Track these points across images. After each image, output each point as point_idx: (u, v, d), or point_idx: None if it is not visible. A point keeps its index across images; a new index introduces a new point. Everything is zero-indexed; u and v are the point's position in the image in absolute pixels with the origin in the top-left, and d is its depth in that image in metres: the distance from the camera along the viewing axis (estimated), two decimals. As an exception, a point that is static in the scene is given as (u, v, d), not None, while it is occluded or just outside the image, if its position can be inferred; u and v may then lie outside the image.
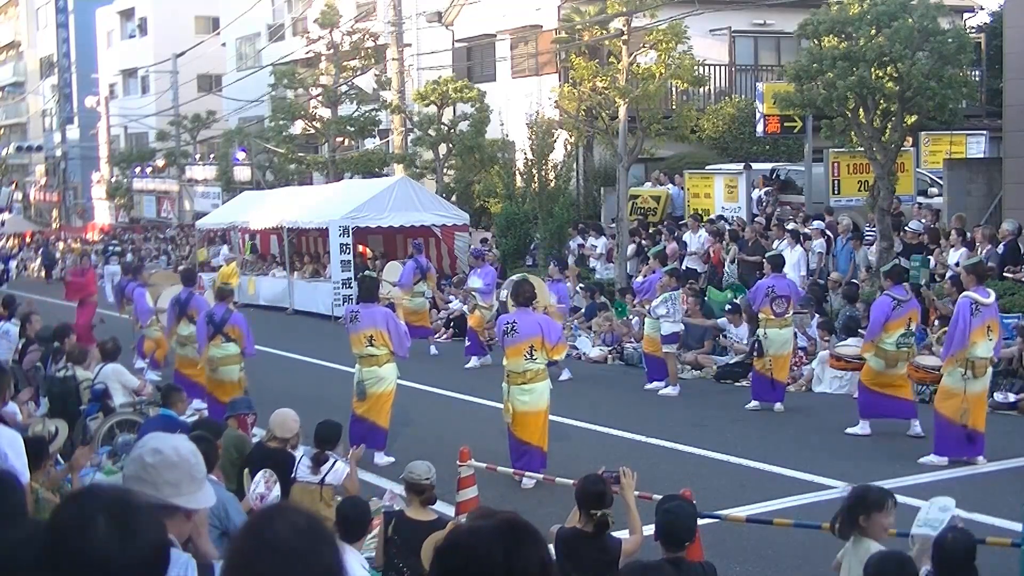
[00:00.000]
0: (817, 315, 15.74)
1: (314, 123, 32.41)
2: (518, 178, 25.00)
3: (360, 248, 25.14)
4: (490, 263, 19.12)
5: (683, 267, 18.53)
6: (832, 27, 16.61)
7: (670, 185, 24.15)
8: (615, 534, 5.86)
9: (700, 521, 5.65)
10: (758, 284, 13.74)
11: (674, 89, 25.26)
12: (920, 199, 20.54)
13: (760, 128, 22.32)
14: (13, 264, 42.47)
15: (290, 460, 7.86)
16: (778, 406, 13.14)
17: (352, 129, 31.74)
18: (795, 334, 14.29)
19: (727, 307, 16.49)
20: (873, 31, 16.06)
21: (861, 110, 16.57)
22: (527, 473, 9.67)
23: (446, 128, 27.34)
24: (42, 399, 10.96)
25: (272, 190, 31.69)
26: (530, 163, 23.73)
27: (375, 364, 10.92)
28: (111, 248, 36.42)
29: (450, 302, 21.60)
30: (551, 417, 10.37)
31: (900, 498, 9.02)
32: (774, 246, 17.87)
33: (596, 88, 21.21)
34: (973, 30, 25.95)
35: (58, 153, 58.87)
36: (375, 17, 33.69)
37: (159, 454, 2.96)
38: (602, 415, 13.03)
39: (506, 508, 2.68)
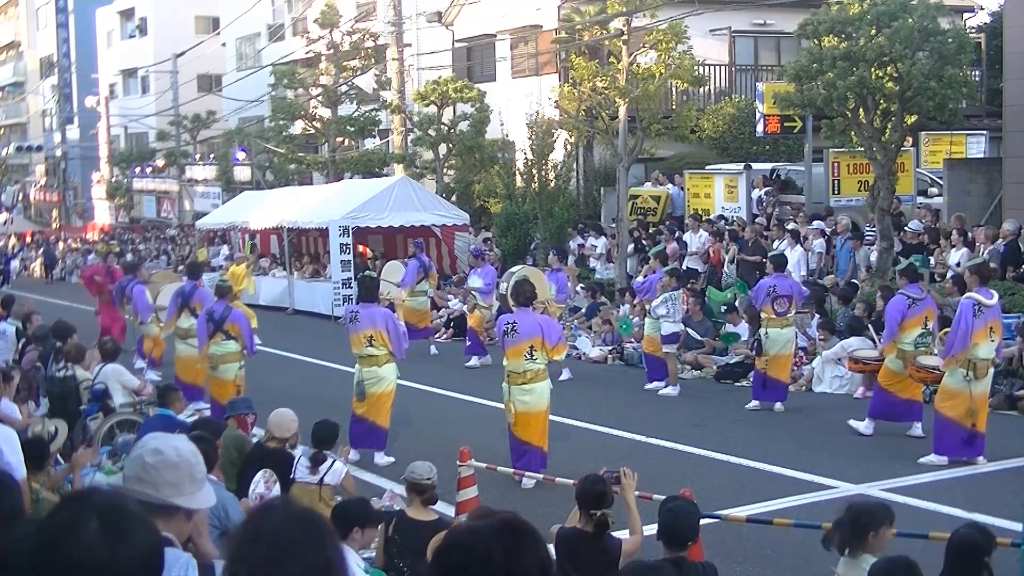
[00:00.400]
0: (817, 315, 15.74)
1: (314, 123, 32.41)
2: (518, 178, 25.00)
3: (360, 248, 25.13)
4: (490, 263, 19.12)
5: (683, 267, 18.54)
6: (832, 27, 16.62)
7: (670, 185, 24.15)
8: (615, 534, 5.86)
9: (701, 521, 5.65)
10: (760, 283, 13.74)
11: (674, 89, 25.27)
12: (920, 199, 20.54)
13: (760, 128, 22.32)
14: (14, 264, 42.46)
15: (290, 460, 7.87)
16: (778, 406, 13.14)
17: (352, 129, 31.73)
18: (795, 334, 14.28)
19: (723, 308, 16.53)
20: (873, 31, 16.06)
21: (861, 110, 16.57)
22: (527, 473, 9.67)
23: (446, 128, 27.34)
24: (42, 399, 10.96)
25: (272, 190, 31.69)
26: (530, 163, 23.73)
27: (375, 364, 10.92)
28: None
29: (449, 301, 21.61)
30: (551, 417, 10.37)
31: (900, 498, 9.09)
32: (774, 246, 17.88)
33: (596, 88, 21.21)
34: (973, 30, 25.95)
35: (58, 153, 58.87)
36: (375, 17, 33.69)
37: (159, 454, 2.96)
38: (602, 415, 13.03)
39: (506, 508, 2.68)
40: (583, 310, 19.12)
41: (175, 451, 2.99)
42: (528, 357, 9.87)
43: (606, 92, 21.07)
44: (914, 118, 16.95)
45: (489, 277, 17.69)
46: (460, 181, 28.77)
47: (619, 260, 21.02)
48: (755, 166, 22.73)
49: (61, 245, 45.51)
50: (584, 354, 17.45)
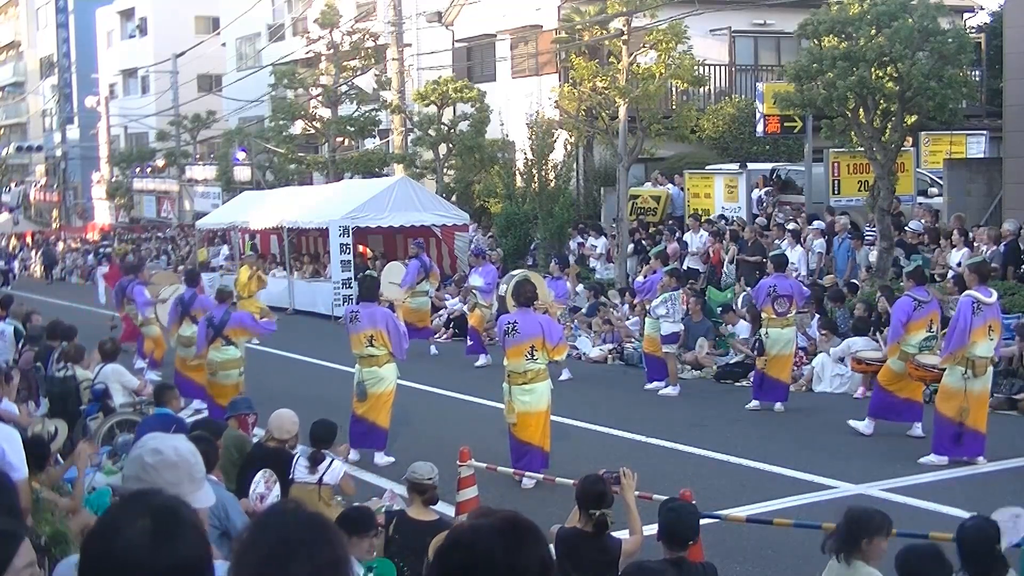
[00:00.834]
0: (817, 315, 15.75)
1: (314, 123, 32.40)
2: (518, 178, 25.00)
3: (360, 248, 25.14)
4: (491, 262, 19.14)
5: (684, 267, 18.54)
6: (832, 27, 16.61)
7: (670, 185, 24.15)
8: (615, 534, 5.86)
9: (701, 521, 5.65)
10: (760, 283, 13.73)
11: (674, 89, 25.27)
12: (920, 199, 20.54)
13: (760, 128, 22.32)
14: (16, 264, 42.44)
15: (290, 460, 7.86)
16: (778, 406, 13.14)
17: (352, 129, 31.73)
18: (796, 334, 14.28)
19: (719, 308, 16.54)
20: (873, 31, 16.06)
21: (861, 110, 16.57)
22: (527, 473, 9.67)
23: (446, 128, 27.34)
24: (42, 399, 10.95)
25: (272, 190, 31.68)
26: (530, 163, 23.72)
27: (375, 364, 10.92)
28: (101, 250, 36.24)
29: (446, 300, 21.61)
30: (551, 417, 10.37)
31: (900, 498, 9.09)
32: (773, 245, 17.88)
33: (596, 88, 21.21)
34: (973, 30, 25.94)
35: (58, 153, 58.87)
36: (375, 17, 33.69)
37: (159, 454, 2.96)
38: (602, 415, 13.02)
39: (506, 508, 2.68)
40: (583, 310, 19.12)
41: (174, 451, 2.99)
42: (529, 357, 9.87)
43: (606, 92, 21.07)
44: (914, 118, 16.95)
45: (490, 276, 17.69)
46: (460, 181, 28.77)
47: (619, 260, 21.02)
48: (755, 166, 22.75)
49: (61, 245, 45.50)
50: (584, 354, 17.45)
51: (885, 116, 16.75)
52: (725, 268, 19.39)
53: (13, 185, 64.23)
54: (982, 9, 30.79)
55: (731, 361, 15.65)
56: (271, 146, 34.16)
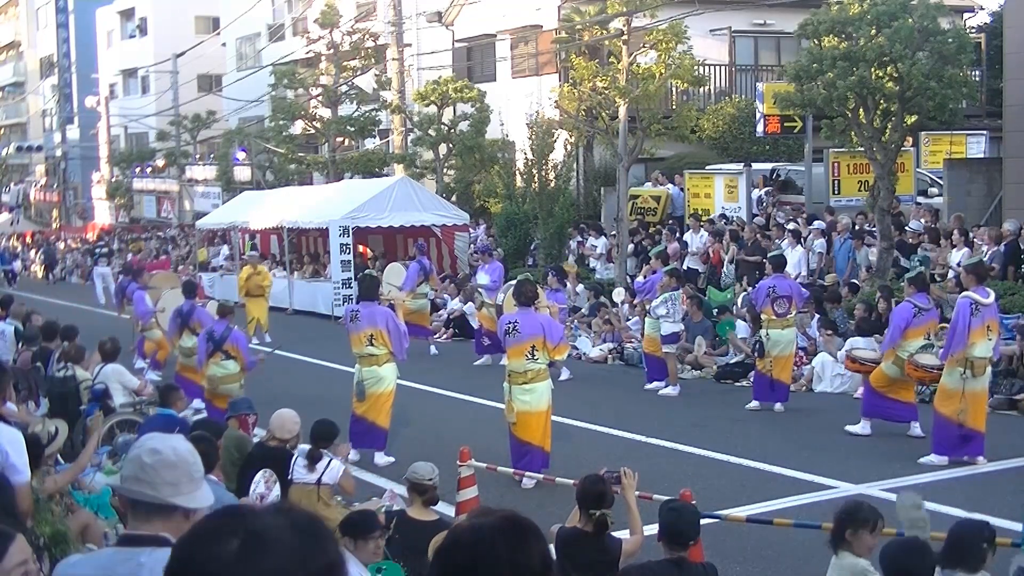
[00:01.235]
0: (817, 315, 15.75)
1: (314, 123, 32.41)
2: (518, 178, 24.99)
3: (360, 248, 25.13)
4: (497, 259, 19.14)
5: (684, 267, 18.53)
6: (832, 27, 16.62)
7: (670, 185, 24.15)
8: (615, 534, 5.86)
9: (701, 521, 5.65)
10: (759, 284, 13.73)
11: (674, 89, 25.27)
12: (920, 199, 20.55)
13: (760, 128, 22.33)
14: (17, 264, 42.43)
15: (290, 460, 7.86)
16: (778, 406, 13.13)
17: (352, 129, 31.74)
18: (796, 334, 14.27)
19: (714, 310, 16.54)
20: (873, 31, 16.06)
21: (861, 110, 16.58)
22: (527, 473, 9.67)
23: (446, 128, 27.35)
24: (42, 399, 10.95)
25: (272, 190, 31.68)
26: (530, 163, 23.72)
27: (375, 364, 10.91)
28: (98, 250, 36.16)
29: (446, 300, 21.60)
30: (552, 417, 10.36)
31: (900, 498, 9.07)
32: (774, 246, 17.87)
33: (596, 88, 21.21)
34: (973, 30, 25.96)
35: (58, 153, 58.86)
36: (375, 17, 33.70)
37: (157, 454, 2.96)
38: (602, 415, 13.02)
39: (506, 508, 2.67)
40: (583, 310, 19.12)
41: (173, 451, 2.99)
42: (530, 357, 9.87)
43: (606, 92, 21.07)
44: (914, 118, 16.95)
45: (496, 274, 17.69)
46: (460, 181, 28.77)
47: (619, 260, 21.02)
48: (755, 166, 22.75)
49: (61, 245, 45.50)
50: (584, 354, 17.44)
51: (885, 116, 16.75)
52: (725, 268, 19.39)
53: (13, 185, 64.23)
54: (982, 9, 30.82)
55: (731, 361, 15.65)
56: (271, 146, 34.16)
